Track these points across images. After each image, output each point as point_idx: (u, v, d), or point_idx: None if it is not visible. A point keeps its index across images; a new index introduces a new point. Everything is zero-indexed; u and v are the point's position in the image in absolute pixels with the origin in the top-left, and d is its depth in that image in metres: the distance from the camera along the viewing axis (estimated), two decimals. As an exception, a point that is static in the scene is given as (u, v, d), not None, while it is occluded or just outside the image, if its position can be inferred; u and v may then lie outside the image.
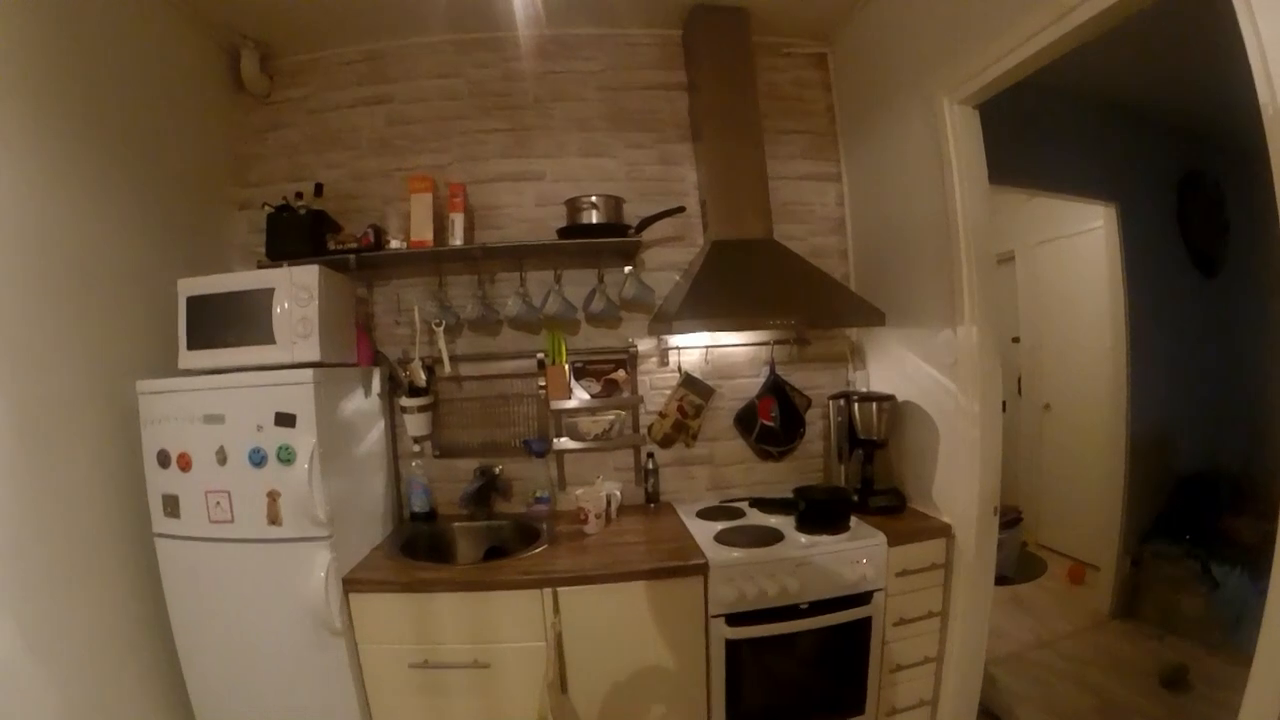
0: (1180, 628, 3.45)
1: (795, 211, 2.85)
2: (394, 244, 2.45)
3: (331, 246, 2.41)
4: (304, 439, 1.92)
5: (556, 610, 1.99)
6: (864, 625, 2.13)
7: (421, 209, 2.44)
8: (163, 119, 2.27)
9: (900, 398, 2.54)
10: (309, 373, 1.94)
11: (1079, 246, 4.12)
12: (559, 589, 1.99)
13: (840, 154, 2.90)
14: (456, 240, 2.45)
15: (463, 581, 2.02)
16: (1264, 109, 1.27)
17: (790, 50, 2.86)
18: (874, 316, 2.34)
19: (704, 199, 2.64)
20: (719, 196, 2.54)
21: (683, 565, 2.04)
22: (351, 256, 2.38)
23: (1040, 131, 3.35)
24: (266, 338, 2.04)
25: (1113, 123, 3.68)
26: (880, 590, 2.15)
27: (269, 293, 2.05)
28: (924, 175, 2.29)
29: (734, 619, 2.04)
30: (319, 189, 2.48)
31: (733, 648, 2.05)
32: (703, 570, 2.03)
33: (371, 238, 2.42)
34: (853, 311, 2.39)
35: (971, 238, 2.15)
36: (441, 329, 2.50)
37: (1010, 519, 4.00)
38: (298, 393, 1.93)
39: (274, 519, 1.93)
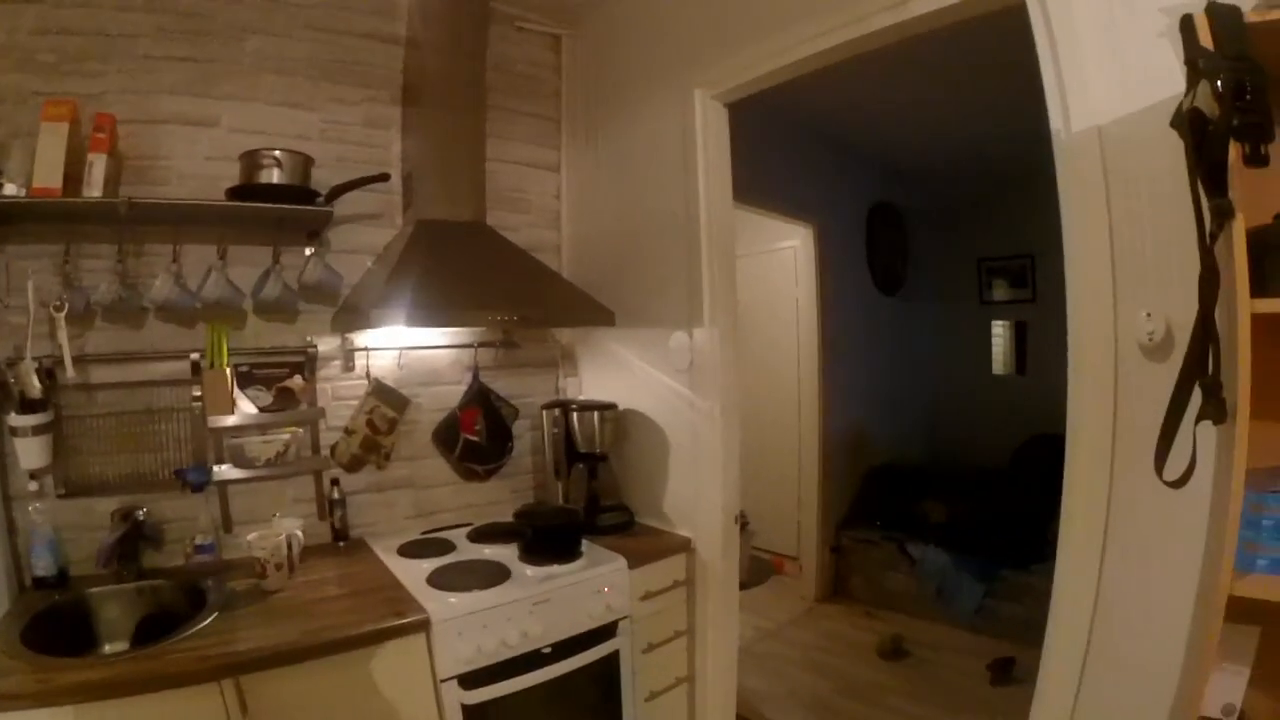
0: (885, 602, 3.88)
1: (511, 199, 2.62)
2: (10, 190, 1.73)
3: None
4: None
5: (244, 709, 1.45)
6: (613, 659, 1.97)
7: (53, 144, 1.76)
8: None
9: (621, 405, 2.42)
10: None
11: (773, 262, 4.44)
12: (242, 677, 1.45)
13: (562, 144, 2.76)
14: (94, 191, 1.80)
15: (104, 683, 1.38)
16: (1055, 135, 1.33)
17: (525, 25, 2.64)
18: (603, 316, 2.20)
19: (409, 172, 2.28)
20: (429, 170, 2.20)
21: (396, 625, 1.63)
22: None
23: (752, 150, 3.49)
24: None
25: (818, 150, 4.05)
26: (626, 618, 2.00)
27: None
28: (664, 171, 2.22)
29: (469, 679, 1.71)
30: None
31: (473, 714, 1.71)
32: (423, 626, 1.65)
33: (-22, 180, 1.67)
34: (580, 310, 2.22)
35: (715, 236, 2.13)
36: (63, 315, 1.80)
37: (741, 524, 4.19)
38: None
39: None
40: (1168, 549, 1.18)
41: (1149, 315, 1.18)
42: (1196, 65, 0.99)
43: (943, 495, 4.06)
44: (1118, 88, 1.22)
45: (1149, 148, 1.16)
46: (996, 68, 2.78)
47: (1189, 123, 1.00)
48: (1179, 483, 1.04)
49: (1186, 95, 1.01)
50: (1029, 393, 4.40)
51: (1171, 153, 1.05)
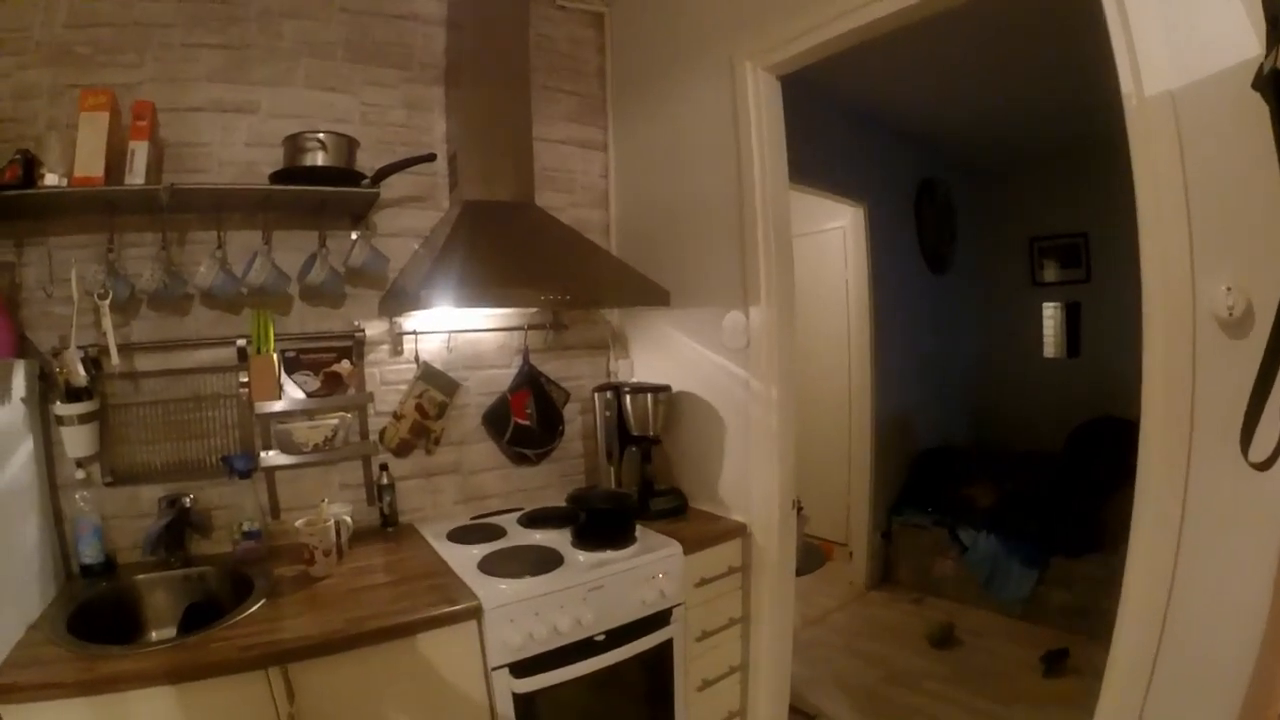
0: (933, 588, 3.79)
1: (555, 179, 2.58)
2: (51, 180, 1.73)
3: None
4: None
5: (291, 697, 1.43)
6: (666, 647, 1.92)
7: (93, 134, 1.75)
8: None
9: (675, 388, 2.37)
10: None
11: (822, 243, 4.35)
12: (290, 666, 1.44)
13: (609, 123, 2.71)
14: (136, 179, 1.78)
15: (149, 672, 1.37)
16: (1126, 100, 1.25)
17: (565, 3, 2.61)
18: (658, 295, 2.15)
19: (454, 152, 2.24)
20: (474, 150, 2.16)
21: (447, 612, 1.60)
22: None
23: (799, 130, 3.44)
24: None
25: (863, 127, 3.92)
26: (680, 605, 1.94)
27: None
28: (715, 147, 2.17)
29: (520, 667, 1.67)
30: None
31: (523, 703, 1.68)
32: (474, 614, 1.62)
33: (20, 170, 1.67)
34: (633, 289, 2.17)
35: (771, 213, 2.06)
36: (107, 303, 1.80)
37: (798, 510, 4.17)
38: None
39: None
40: (1249, 535, 1.11)
41: (1229, 289, 1.10)
42: (1278, 23, 0.92)
43: (991, 480, 3.95)
44: (1192, 50, 1.14)
45: (1227, 113, 1.08)
46: (1046, 37, 2.66)
47: (1271, 85, 0.92)
48: (1265, 464, 0.97)
49: (1267, 56, 0.93)
50: (1082, 376, 4.25)
51: (1251, 118, 0.98)
